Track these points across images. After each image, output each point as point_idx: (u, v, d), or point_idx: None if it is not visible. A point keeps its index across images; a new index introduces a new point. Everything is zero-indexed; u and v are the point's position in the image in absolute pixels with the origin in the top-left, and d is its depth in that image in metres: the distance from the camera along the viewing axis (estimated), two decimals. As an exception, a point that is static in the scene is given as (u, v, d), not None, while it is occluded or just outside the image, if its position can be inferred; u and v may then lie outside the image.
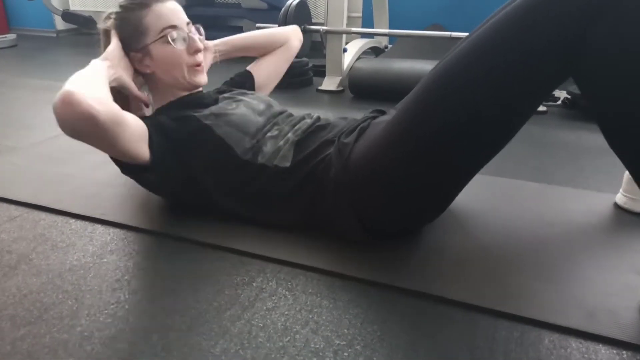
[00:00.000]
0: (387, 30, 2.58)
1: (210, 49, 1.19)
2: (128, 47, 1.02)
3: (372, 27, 2.79)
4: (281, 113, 1.12)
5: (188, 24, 1.05)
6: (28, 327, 0.75)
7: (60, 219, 1.08)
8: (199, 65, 1.06)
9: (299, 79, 2.36)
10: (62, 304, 0.80)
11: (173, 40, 1.01)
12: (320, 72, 2.40)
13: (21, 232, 1.03)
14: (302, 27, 2.29)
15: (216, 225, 1.02)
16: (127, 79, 1.01)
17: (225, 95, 1.13)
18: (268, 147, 1.01)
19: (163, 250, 0.96)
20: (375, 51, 2.84)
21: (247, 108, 1.07)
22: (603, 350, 0.70)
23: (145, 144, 0.93)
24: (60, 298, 0.82)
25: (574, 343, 0.72)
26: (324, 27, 2.25)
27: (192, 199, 1.06)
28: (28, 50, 3.44)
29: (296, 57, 2.30)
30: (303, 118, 1.10)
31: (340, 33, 2.24)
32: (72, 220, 1.07)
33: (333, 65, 2.31)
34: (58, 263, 0.92)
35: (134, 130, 0.90)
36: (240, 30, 3.27)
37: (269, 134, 1.03)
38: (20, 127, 1.74)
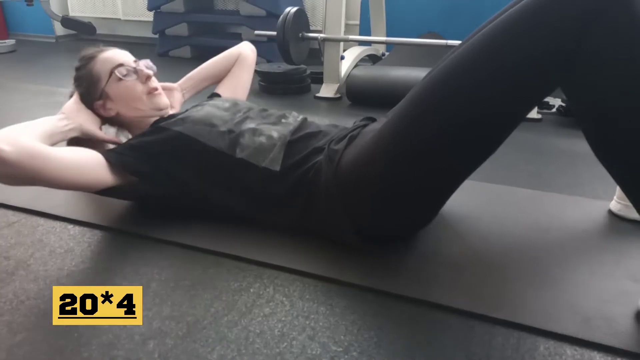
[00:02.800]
0: (384, 38, 2.59)
1: (176, 89, 1.28)
2: (91, 100, 1.09)
3: (370, 35, 2.81)
4: (250, 108, 1.15)
5: (135, 61, 1.11)
6: (25, 334, 0.75)
7: (58, 224, 1.08)
8: (155, 89, 1.12)
9: (296, 85, 2.38)
10: (52, 308, 0.80)
11: (124, 75, 1.07)
12: (318, 79, 2.42)
13: (19, 238, 1.03)
14: (300, 34, 2.31)
15: (212, 230, 1.03)
16: (89, 126, 1.06)
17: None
18: (246, 140, 1.02)
19: (160, 256, 0.96)
20: (373, 59, 2.85)
21: (211, 107, 1.12)
22: (598, 357, 0.71)
23: (103, 169, 0.95)
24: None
25: (569, 350, 0.72)
26: (322, 35, 2.26)
27: (190, 205, 1.07)
28: (27, 55, 3.45)
29: (295, 64, 2.31)
30: (283, 116, 1.12)
31: (338, 41, 2.25)
32: (70, 226, 1.07)
33: (330, 72, 2.32)
34: (56, 269, 0.92)
35: (72, 160, 0.91)
36: (239, 37, 3.28)
37: (244, 126, 1.05)
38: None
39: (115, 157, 0.98)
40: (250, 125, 1.06)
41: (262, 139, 1.02)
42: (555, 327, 0.75)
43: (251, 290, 0.85)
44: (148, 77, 1.10)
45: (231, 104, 1.15)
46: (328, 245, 0.96)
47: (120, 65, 1.08)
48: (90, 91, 1.08)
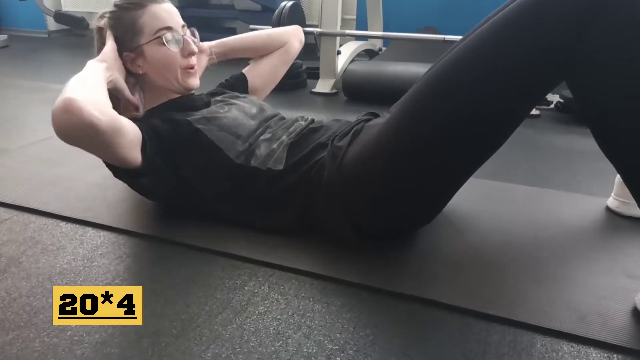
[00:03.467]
0: (381, 33, 2.59)
1: (205, 51, 1.18)
2: (121, 47, 1.01)
3: (366, 30, 2.80)
4: (274, 116, 1.12)
5: (183, 26, 1.04)
6: (17, 331, 0.74)
7: (50, 221, 1.07)
8: (192, 68, 1.05)
9: (292, 81, 2.36)
10: (52, 308, 0.79)
11: (167, 42, 1.00)
12: (314, 74, 2.40)
13: (11, 235, 1.01)
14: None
15: (208, 228, 1.02)
16: (122, 81, 0.99)
17: (217, 98, 1.13)
18: (261, 150, 1.00)
19: (154, 253, 0.95)
20: (369, 54, 2.84)
21: (239, 111, 1.07)
22: (594, 353, 0.71)
23: (138, 149, 0.91)
24: (50, 302, 0.81)
25: (565, 346, 0.72)
26: (318, 30, 2.25)
27: (186, 203, 1.05)
28: (20, 51, 3.42)
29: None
30: (297, 120, 1.09)
31: (334, 35, 2.24)
32: (62, 223, 1.06)
33: (327, 67, 2.31)
34: (48, 266, 0.91)
35: (131, 137, 0.89)
36: (233, 31, 3.26)
37: (262, 137, 1.03)
38: (10, 129, 1.72)
39: (151, 143, 0.93)
40: (267, 136, 1.03)
41: (274, 145, 1.00)
42: (552, 324, 0.75)
43: (246, 288, 0.85)
44: (191, 53, 1.03)
45: (258, 110, 1.11)
46: (323, 243, 0.96)
47: (169, 28, 1.00)
48: (127, 39, 1.00)
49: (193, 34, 1.07)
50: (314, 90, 2.31)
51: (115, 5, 1.03)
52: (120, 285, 0.85)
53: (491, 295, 0.82)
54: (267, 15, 2.61)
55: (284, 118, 1.13)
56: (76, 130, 0.78)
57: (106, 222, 1.05)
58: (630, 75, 0.72)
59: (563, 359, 0.69)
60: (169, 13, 1.02)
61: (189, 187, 1.01)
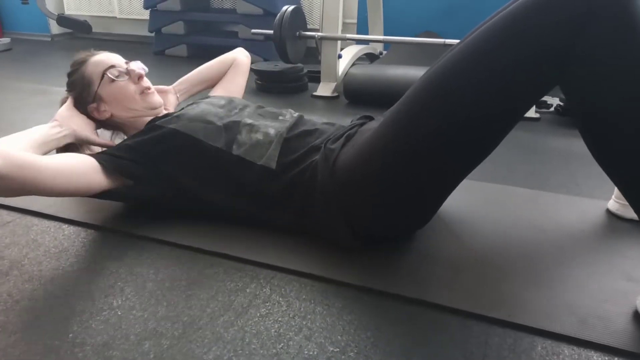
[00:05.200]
0: (381, 37, 2.59)
1: (170, 91, 1.29)
2: (84, 104, 1.09)
3: (367, 34, 2.81)
4: (246, 105, 1.15)
5: (126, 62, 1.11)
6: (20, 334, 0.74)
7: (53, 224, 1.07)
8: (148, 89, 1.12)
9: (293, 84, 2.37)
10: (54, 311, 0.80)
11: (115, 76, 1.08)
12: (315, 78, 2.41)
13: (13, 238, 1.02)
14: (297, 33, 2.31)
15: (209, 231, 1.02)
16: (84, 131, 1.07)
17: (189, 102, 1.19)
18: (243, 137, 1.02)
19: (156, 256, 0.96)
20: (370, 57, 2.85)
21: (206, 105, 1.12)
22: (595, 356, 0.71)
23: (97, 173, 0.95)
24: (52, 304, 0.81)
25: (566, 349, 0.72)
26: (319, 34, 2.26)
27: (185, 205, 1.06)
28: (22, 54, 3.43)
29: (292, 63, 2.31)
30: (280, 113, 1.11)
31: (335, 39, 2.25)
32: (64, 226, 1.07)
33: (328, 71, 2.32)
34: (50, 269, 0.91)
35: (64, 166, 0.90)
36: (235, 35, 3.27)
37: (242, 122, 1.05)
38: (13, 131, 1.72)
39: (109, 160, 0.97)
40: (247, 121, 1.05)
41: (259, 136, 1.02)
42: (552, 327, 0.75)
43: (247, 290, 0.85)
44: (140, 77, 1.10)
45: (227, 102, 1.15)
46: (325, 245, 0.96)
47: (112, 66, 1.08)
48: (83, 95, 1.09)
49: (137, 65, 1.12)
50: (315, 93, 2.31)
51: (67, 76, 1.12)
52: (122, 287, 0.86)
53: (491, 297, 0.82)
54: (269, 20, 2.62)
55: (262, 107, 1.16)
56: None
57: (108, 225, 1.05)
58: (624, 81, 0.72)
59: (563, 362, 0.70)
60: (108, 56, 1.11)
61: (183, 187, 1.02)
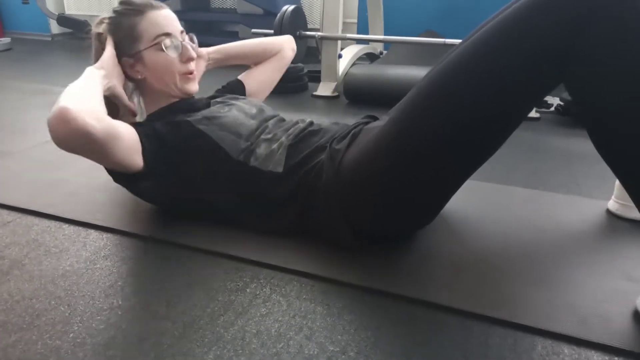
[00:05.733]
0: (382, 37, 2.59)
1: (203, 57, 1.19)
2: (120, 53, 1.02)
3: (367, 34, 2.81)
4: (273, 117, 1.13)
5: (182, 32, 1.05)
6: (20, 334, 0.74)
7: (53, 224, 1.07)
8: (191, 73, 1.06)
9: (294, 84, 2.37)
10: (55, 310, 0.80)
11: (166, 47, 1.01)
12: (316, 77, 2.41)
13: (14, 238, 1.02)
14: (298, 33, 2.31)
15: (210, 230, 1.02)
16: (120, 88, 1.00)
17: (217, 99, 1.14)
18: (261, 149, 1.01)
19: (156, 255, 0.96)
20: (370, 57, 2.85)
21: (239, 112, 1.07)
22: (595, 356, 0.71)
23: (138, 153, 0.92)
24: (53, 304, 0.81)
25: (566, 349, 0.72)
26: (319, 33, 2.26)
27: (187, 207, 1.06)
28: (23, 53, 3.43)
29: (292, 62, 2.31)
30: (296, 123, 1.10)
31: (335, 39, 2.25)
32: (65, 226, 1.07)
33: (328, 70, 2.32)
34: (51, 269, 0.91)
35: (128, 142, 0.89)
36: (235, 35, 3.27)
37: (262, 137, 1.04)
38: (13, 131, 1.73)
39: (148, 149, 0.94)
40: (267, 136, 1.04)
41: (274, 146, 1.01)
42: (553, 327, 0.75)
43: (248, 290, 0.85)
44: (189, 59, 1.04)
45: (258, 110, 1.12)
46: (325, 245, 0.96)
47: (168, 34, 1.01)
48: (125, 45, 1.01)
49: (192, 40, 1.08)
50: (315, 93, 2.31)
51: (115, 12, 1.04)
52: (122, 287, 0.86)
53: (492, 297, 0.82)
54: (269, 19, 2.62)
55: (283, 119, 1.14)
56: (72, 139, 0.79)
57: (109, 225, 1.05)
58: (625, 81, 0.72)
59: (564, 362, 0.70)
60: (167, 19, 1.03)
61: (191, 189, 1.01)
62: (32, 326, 0.76)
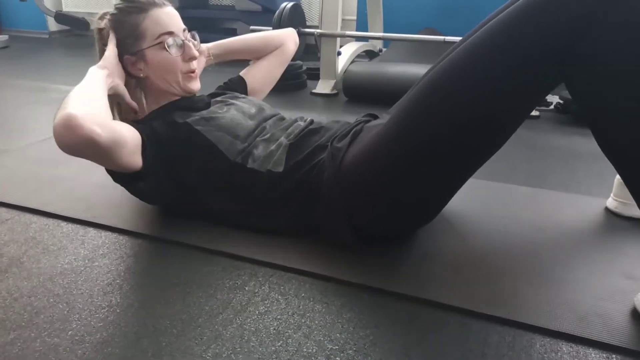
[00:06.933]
0: (381, 34, 2.59)
1: (204, 53, 1.18)
2: (122, 50, 1.01)
3: (367, 31, 2.80)
4: (273, 116, 1.12)
5: (184, 30, 1.05)
6: (18, 331, 0.74)
7: (51, 222, 1.07)
8: (193, 72, 1.06)
9: (293, 82, 2.36)
10: (53, 308, 0.80)
11: (169, 46, 1.00)
12: (314, 75, 2.41)
13: (12, 235, 1.02)
14: (297, 30, 2.30)
15: (208, 228, 1.02)
16: (122, 87, 1.00)
17: (217, 99, 1.13)
18: (259, 151, 1.00)
19: (155, 253, 0.96)
20: (370, 54, 2.84)
21: (237, 111, 1.07)
22: (593, 354, 0.71)
23: (139, 154, 0.92)
24: (51, 302, 0.81)
25: (565, 347, 0.72)
26: (318, 30, 2.25)
27: (186, 206, 1.05)
28: (20, 51, 3.42)
29: (290, 60, 2.29)
30: (295, 121, 1.09)
31: (334, 36, 2.24)
32: (63, 223, 1.06)
33: (327, 68, 2.31)
34: (49, 266, 0.91)
35: (131, 145, 0.89)
36: (234, 32, 3.27)
37: (259, 138, 1.03)
38: (11, 129, 1.73)
39: (149, 149, 0.93)
40: (265, 136, 1.03)
41: (273, 147, 1.00)
42: (551, 324, 0.75)
43: (246, 288, 0.85)
44: (192, 58, 1.04)
45: (257, 110, 1.11)
46: (324, 243, 0.96)
47: (171, 33, 1.00)
48: (128, 43, 1.01)
49: (194, 38, 1.08)
50: (314, 91, 2.31)
51: (117, 8, 1.03)
52: (120, 285, 0.86)
53: (491, 295, 0.82)
54: (268, 16, 2.61)
55: (283, 118, 1.13)
56: (77, 146, 0.79)
57: (107, 222, 1.05)
58: (626, 82, 0.72)
59: (562, 359, 0.70)
60: (170, 17, 1.02)
61: (189, 190, 1.01)
62: (30, 324, 0.76)
